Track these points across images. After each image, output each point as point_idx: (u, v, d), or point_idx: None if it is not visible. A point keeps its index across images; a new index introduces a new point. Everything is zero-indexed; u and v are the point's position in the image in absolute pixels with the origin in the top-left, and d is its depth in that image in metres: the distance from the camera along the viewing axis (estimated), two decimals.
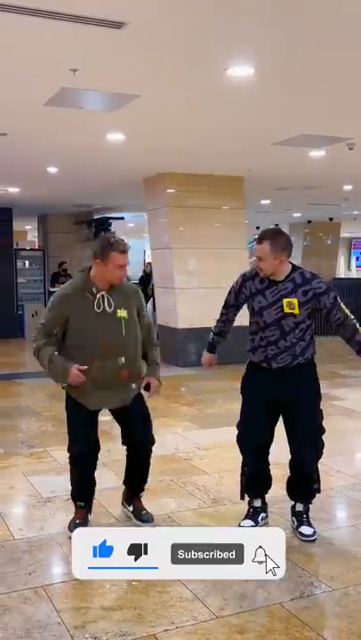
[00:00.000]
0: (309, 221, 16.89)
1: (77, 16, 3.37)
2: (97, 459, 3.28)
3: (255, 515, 3.32)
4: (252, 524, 3.27)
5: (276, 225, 18.01)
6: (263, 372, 3.20)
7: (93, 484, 3.32)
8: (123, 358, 3.11)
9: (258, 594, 2.68)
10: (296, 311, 3.07)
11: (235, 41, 3.81)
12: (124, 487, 3.47)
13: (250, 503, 3.36)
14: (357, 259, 26.00)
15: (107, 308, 3.09)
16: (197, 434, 5.24)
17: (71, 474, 3.31)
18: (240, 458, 3.37)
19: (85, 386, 3.07)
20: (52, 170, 8.43)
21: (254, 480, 3.34)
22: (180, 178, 8.58)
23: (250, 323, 3.27)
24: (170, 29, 3.61)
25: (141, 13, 3.38)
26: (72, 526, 3.17)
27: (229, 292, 3.34)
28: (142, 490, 3.40)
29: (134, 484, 3.41)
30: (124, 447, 3.36)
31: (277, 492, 3.68)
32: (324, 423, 3.26)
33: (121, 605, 2.59)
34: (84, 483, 3.29)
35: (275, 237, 3.12)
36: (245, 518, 3.31)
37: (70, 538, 3.00)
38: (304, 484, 3.29)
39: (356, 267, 26.33)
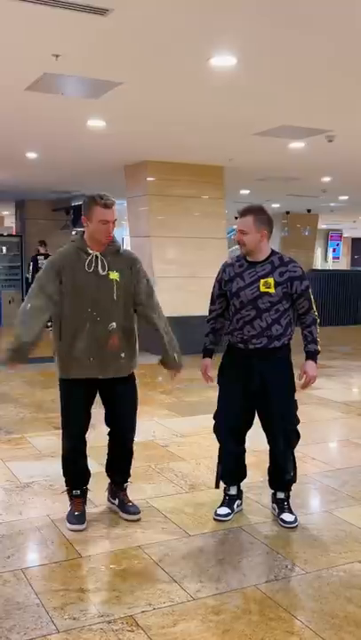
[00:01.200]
0: (288, 212, 17.01)
1: (61, 1, 3.34)
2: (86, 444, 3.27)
3: (231, 502, 3.38)
4: (228, 511, 3.33)
5: None
6: (240, 357, 3.24)
7: (88, 471, 3.28)
8: (114, 323, 3.05)
9: (233, 577, 2.75)
10: (272, 290, 3.12)
11: (218, 31, 3.81)
12: (108, 481, 3.43)
13: (225, 491, 3.41)
14: (334, 250, 26.26)
15: (99, 270, 3.01)
16: (175, 421, 5.29)
17: (66, 463, 3.25)
18: (217, 446, 3.43)
19: (75, 355, 3.03)
20: (32, 155, 8.35)
21: (231, 467, 3.39)
22: (161, 166, 8.57)
23: (229, 309, 3.31)
24: (154, 17, 3.60)
25: (126, 0, 3.37)
26: (72, 519, 3.15)
27: (214, 285, 3.36)
28: (126, 481, 3.38)
29: (117, 474, 3.37)
30: (106, 434, 3.35)
31: (253, 479, 3.76)
32: (300, 412, 3.33)
33: (99, 588, 2.64)
34: (79, 470, 3.24)
35: (258, 211, 3.17)
36: (221, 506, 3.37)
37: (71, 530, 3.10)
38: (279, 474, 3.35)
39: (333, 258, 26.61)
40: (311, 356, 3.21)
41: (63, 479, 3.30)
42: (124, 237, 23.60)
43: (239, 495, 3.44)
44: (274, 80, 4.83)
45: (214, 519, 3.30)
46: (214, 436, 3.41)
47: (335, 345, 10.25)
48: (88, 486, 3.30)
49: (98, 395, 3.24)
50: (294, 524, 3.25)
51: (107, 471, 3.41)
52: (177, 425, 5.16)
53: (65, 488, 3.29)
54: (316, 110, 5.78)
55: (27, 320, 3.02)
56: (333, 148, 7.12)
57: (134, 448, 3.40)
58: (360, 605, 2.54)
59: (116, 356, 3.10)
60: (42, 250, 11.98)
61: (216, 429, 3.38)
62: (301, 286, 3.17)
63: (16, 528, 3.18)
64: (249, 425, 3.36)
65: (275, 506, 3.38)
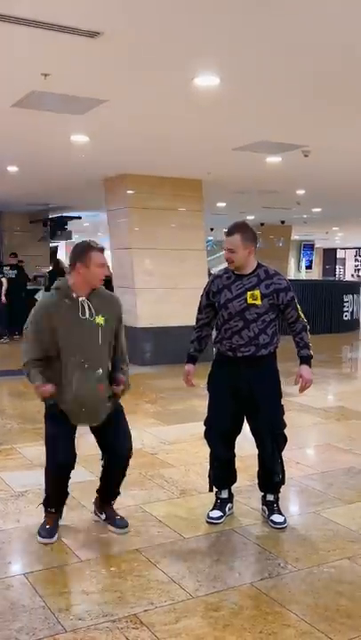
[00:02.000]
0: (262, 224, 17.33)
1: (53, 24, 3.47)
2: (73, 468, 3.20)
3: (223, 505, 3.49)
4: (220, 514, 3.45)
5: None
6: (229, 364, 3.37)
7: (67, 492, 3.28)
8: (100, 370, 3.06)
9: (229, 575, 2.87)
10: (258, 302, 3.25)
11: (203, 54, 3.99)
12: (95, 496, 3.44)
13: (217, 495, 3.52)
14: (307, 261, 26.75)
15: (87, 315, 3.03)
16: (162, 430, 5.39)
17: (50, 484, 3.22)
18: (205, 451, 3.54)
19: (65, 403, 3.04)
20: (13, 169, 8.41)
21: (222, 471, 3.50)
22: (141, 179, 8.72)
23: (217, 319, 3.43)
24: (142, 39, 3.75)
25: (116, 24, 3.51)
26: (42, 532, 3.18)
27: (202, 295, 3.49)
28: (115, 497, 3.40)
29: (111, 494, 3.39)
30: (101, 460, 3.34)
31: (241, 483, 3.88)
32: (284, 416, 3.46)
33: (101, 589, 2.72)
34: (61, 492, 3.24)
35: (245, 229, 3.31)
36: (213, 509, 3.47)
37: (40, 543, 3.11)
38: (268, 477, 3.47)
39: (306, 268, 27.09)
40: (305, 360, 3.35)
41: (52, 495, 3.27)
42: None
43: (230, 498, 3.55)
44: (254, 99, 5.03)
45: (207, 522, 3.41)
46: (205, 441, 3.52)
47: (316, 353, 10.48)
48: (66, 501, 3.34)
49: None
50: (284, 525, 3.38)
51: (100, 490, 3.41)
52: (163, 433, 5.27)
53: (41, 502, 3.30)
54: (294, 127, 6.01)
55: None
56: (309, 163, 7.37)
57: None
58: (351, 599, 2.68)
59: (104, 401, 3.12)
60: (12, 261, 12.13)
61: (207, 435, 3.49)
62: (287, 297, 3.32)
63: (14, 535, 3.25)
64: (238, 430, 3.47)
65: (265, 508, 3.50)
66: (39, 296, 10.42)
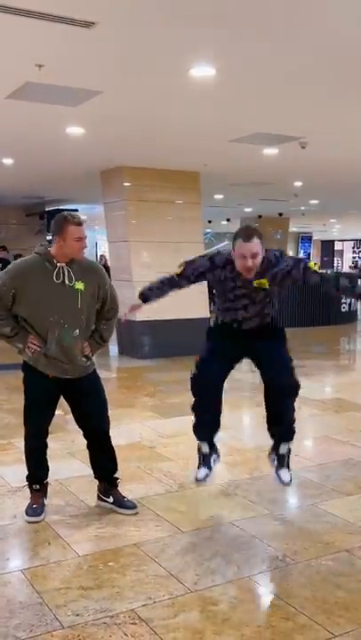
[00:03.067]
0: (260, 216, 17.27)
1: (48, 14, 3.43)
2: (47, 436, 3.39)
3: (206, 460, 3.44)
4: (207, 471, 3.41)
5: (228, 219, 18.34)
6: (232, 331, 3.30)
7: (47, 466, 3.43)
8: (77, 330, 3.20)
9: (228, 569, 2.86)
10: (266, 285, 3.16)
11: (198, 43, 3.95)
12: (97, 483, 3.53)
13: (199, 451, 3.46)
14: (305, 253, 26.70)
15: (66, 280, 3.14)
16: (160, 423, 5.38)
17: (28, 456, 3.40)
18: None
19: (49, 354, 3.17)
20: (8, 161, 8.35)
21: (205, 419, 3.42)
22: (138, 172, 8.66)
23: (217, 295, 3.34)
24: (137, 29, 3.70)
25: (112, 14, 3.47)
26: (30, 511, 3.32)
27: (194, 269, 3.28)
28: (116, 478, 3.49)
29: (104, 471, 3.47)
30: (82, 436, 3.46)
31: (241, 476, 3.92)
32: None
33: (99, 585, 2.71)
34: (41, 465, 3.40)
35: (260, 234, 3.15)
36: (199, 467, 3.43)
37: (28, 522, 3.24)
38: (284, 417, 3.36)
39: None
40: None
41: (30, 468, 3.43)
42: (98, 241, 23.68)
43: (213, 450, 3.48)
44: (250, 90, 4.99)
45: (196, 481, 3.40)
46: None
47: (310, 345, 10.49)
48: (65, 485, 3.48)
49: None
50: (289, 484, 3.39)
51: (93, 472, 3.51)
52: (161, 426, 5.26)
53: (25, 483, 3.44)
54: (290, 118, 5.96)
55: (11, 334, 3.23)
56: (306, 154, 7.33)
57: (122, 450, 3.48)
58: (349, 591, 2.68)
59: (80, 356, 3.25)
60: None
61: (193, 382, 3.36)
62: (300, 269, 3.13)
63: (11, 531, 3.23)
64: (224, 379, 3.36)
65: (274, 457, 3.45)
66: None
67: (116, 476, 3.50)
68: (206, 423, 3.46)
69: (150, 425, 5.30)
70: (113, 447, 3.46)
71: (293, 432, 3.45)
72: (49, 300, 3.13)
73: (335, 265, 31.07)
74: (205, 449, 3.47)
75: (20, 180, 10.33)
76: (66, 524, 3.30)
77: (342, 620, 2.46)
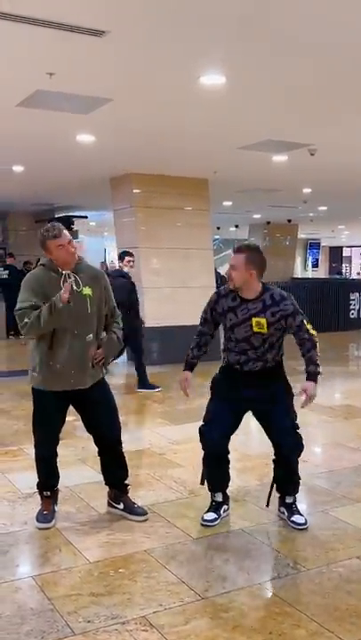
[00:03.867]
0: (268, 222, 17.28)
1: (59, 23, 3.47)
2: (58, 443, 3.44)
3: (217, 508, 3.45)
4: (215, 516, 3.41)
5: (237, 226, 18.35)
6: (235, 375, 3.36)
7: (58, 473, 3.46)
8: (90, 335, 3.23)
9: (238, 576, 2.85)
10: (265, 330, 3.21)
11: (209, 52, 3.98)
12: (107, 489, 3.54)
13: (212, 497, 3.49)
14: (313, 259, 26.63)
15: (73, 286, 3.15)
16: (169, 429, 5.38)
17: (39, 464, 3.40)
18: None
19: (57, 368, 3.18)
20: (18, 169, 8.42)
21: (214, 475, 3.48)
22: (147, 178, 8.71)
23: (224, 332, 3.40)
24: (149, 38, 3.74)
25: (122, 23, 3.50)
26: (41, 518, 3.33)
27: (205, 310, 3.44)
28: (127, 485, 3.50)
29: (115, 478, 3.48)
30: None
31: (250, 483, 3.90)
32: None
33: (110, 591, 2.71)
34: (52, 473, 3.42)
35: (251, 251, 3.24)
36: (208, 511, 3.44)
37: (39, 529, 3.25)
38: (290, 477, 3.44)
39: (312, 267, 26.98)
40: (311, 376, 3.27)
41: (42, 478, 3.44)
42: (106, 248, 23.75)
43: (225, 501, 3.51)
44: (260, 97, 5.01)
45: (202, 524, 3.37)
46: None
47: (319, 351, 10.44)
48: (75, 492, 3.51)
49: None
50: (306, 525, 3.36)
51: (104, 478, 3.52)
52: (171, 433, 5.26)
53: (36, 489, 3.45)
54: (299, 125, 5.98)
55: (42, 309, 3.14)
56: (315, 161, 7.34)
57: (132, 457, 3.49)
58: (359, 597, 2.66)
59: (91, 366, 3.27)
60: (8, 261, 12.48)
61: (202, 438, 3.43)
62: (296, 322, 3.24)
63: (22, 537, 3.24)
64: (232, 432, 3.42)
65: (284, 509, 3.47)
66: None
67: (126, 482, 3.51)
68: (217, 478, 3.50)
69: (160, 431, 5.30)
70: (123, 454, 3.48)
71: (298, 486, 3.48)
72: (61, 309, 3.11)
73: (344, 271, 30.98)
74: (218, 498, 3.49)
75: (31, 187, 10.41)
76: (76, 530, 3.31)
77: (354, 627, 2.45)
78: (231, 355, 3.35)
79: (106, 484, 3.53)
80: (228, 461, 3.49)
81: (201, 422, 3.47)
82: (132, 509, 3.44)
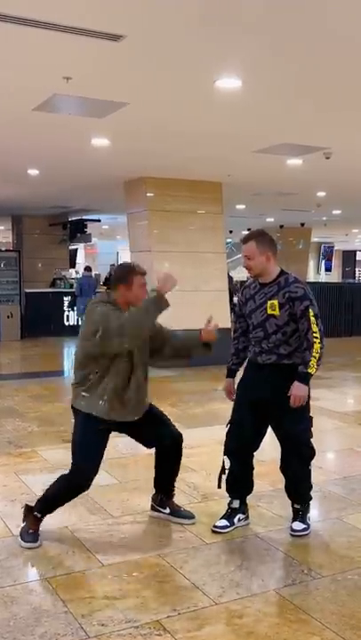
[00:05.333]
0: (282, 226, 17.24)
1: (76, 28, 3.49)
2: None
3: (231, 515, 3.41)
4: (226, 523, 3.36)
5: (249, 229, 18.32)
6: (255, 369, 3.36)
7: None
8: (146, 368, 3.27)
9: (253, 582, 2.83)
10: (277, 312, 3.21)
11: (225, 55, 3.98)
12: (154, 492, 3.56)
13: (229, 504, 3.46)
14: (326, 263, 26.51)
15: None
16: (183, 433, 5.35)
17: (61, 493, 3.21)
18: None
19: (126, 399, 3.16)
20: (33, 172, 8.48)
21: (233, 482, 3.44)
22: (161, 182, 8.73)
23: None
24: (165, 42, 3.75)
25: (139, 27, 3.52)
26: (26, 536, 3.16)
27: (237, 305, 3.49)
28: (174, 489, 3.53)
29: (170, 484, 3.50)
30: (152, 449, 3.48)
31: (263, 488, 3.87)
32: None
33: (124, 595, 2.71)
34: (64, 503, 3.26)
35: (259, 235, 3.31)
36: (221, 518, 3.40)
37: (23, 547, 3.10)
38: (293, 486, 3.42)
39: (326, 271, 26.85)
40: (298, 377, 3.22)
41: (54, 507, 3.24)
42: (119, 251, 23.81)
43: (242, 509, 3.45)
44: (276, 101, 5.00)
45: (212, 531, 3.33)
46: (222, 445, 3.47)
47: (333, 356, 10.39)
48: (90, 495, 3.44)
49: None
50: (301, 533, 3.31)
51: (159, 485, 3.52)
52: (185, 437, 5.22)
53: (31, 505, 3.25)
54: (315, 129, 5.96)
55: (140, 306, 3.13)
56: (330, 165, 7.31)
57: (145, 461, 3.49)
58: None
59: (145, 396, 3.32)
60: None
61: (226, 442, 3.43)
62: (301, 306, 3.19)
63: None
64: (259, 440, 3.41)
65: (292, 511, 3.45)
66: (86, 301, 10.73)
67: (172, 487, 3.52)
68: (236, 486, 3.46)
69: None
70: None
71: (305, 495, 3.43)
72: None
73: (357, 275, 30.80)
74: (235, 505, 3.44)
75: (45, 191, 10.47)
76: (90, 533, 3.31)
77: None
78: (251, 348, 3.36)
79: (157, 488, 3.53)
80: (252, 467, 3.45)
81: (218, 427, 3.46)
82: (178, 513, 3.46)
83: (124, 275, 3.19)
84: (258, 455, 4.15)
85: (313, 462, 4.35)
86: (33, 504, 3.25)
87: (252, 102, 4.99)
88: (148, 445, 3.45)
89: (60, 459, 4.49)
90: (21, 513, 3.27)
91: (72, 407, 3.24)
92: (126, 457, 4.55)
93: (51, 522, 3.40)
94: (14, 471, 4.30)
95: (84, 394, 3.16)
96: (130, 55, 3.94)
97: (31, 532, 3.18)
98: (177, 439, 3.42)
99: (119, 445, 4.56)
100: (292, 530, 3.34)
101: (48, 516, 3.47)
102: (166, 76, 4.36)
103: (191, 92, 4.76)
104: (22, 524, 3.22)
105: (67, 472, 3.19)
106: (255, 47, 3.83)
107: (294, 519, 3.40)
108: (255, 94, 4.77)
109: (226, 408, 3.50)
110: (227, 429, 3.44)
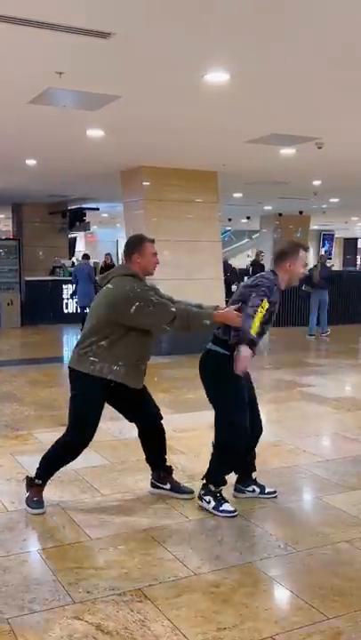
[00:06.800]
0: (280, 214, 17.29)
1: (67, 26, 3.61)
2: None
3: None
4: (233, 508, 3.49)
5: (248, 217, 18.40)
6: None
7: None
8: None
9: (231, 555, 3.01)
10: None
11: (213, 50, 4.09)
12: (152, 472, 3.75)
13: (219, 491, 3.53)
14: (326, 251, 26.51)
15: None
16: (174, 418, 5.52)
17: (58, 458, 3.47)
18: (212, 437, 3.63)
19: (142, 367, 3.40)
20: (31, 162, 8.59)
21: (241, 465, 3.64)
22: (157, 171, 8.83)
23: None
24: (153, 38, 3.86)
25: (127, 25, 3.63)
26: (32, 504, 3.42)
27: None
28: (170, 465, 3.74)
29: (162, 459, 3.70)
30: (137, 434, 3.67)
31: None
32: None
33: (109, 566, 2.89)
34: (63, 466, 3.52)
35: (275, 257, 3.54)
36: (225, 501, 3.49)
37: (31, 514, 3.35)
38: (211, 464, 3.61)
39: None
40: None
41: (53, 470, 3.51)
42: (119, 239, 23.89)
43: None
44: (265, 92, 5.11)
45: (226, 516, 3.42)
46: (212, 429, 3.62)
47: (328, 343, 10.56)
48: (81, 475, 3.70)
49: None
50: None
51: (153, 462, 3.72)
52: (176, 421, 5.40)
53: (31, 476, 3.49)
54: (306, 119, 6.06)
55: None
56: (323, 154, 7.40)
57: (136, 443, 3.66)
58: (346, 579, 2.81)
59: None
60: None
61: (238, 432, 3.43)
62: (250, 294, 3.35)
63: (29, 515, 3.43)
64: None
65: (255, 488, 3.70)
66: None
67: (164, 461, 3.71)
68: (244, 466, 3.67)
69: (165, 420, 5.42)
70: None
71: (211, 476, 3.54)
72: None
73: (359, 263, 30.83)
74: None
75: (43, 180, 10.59)
76: (80, 510, 3.50)
77: (337, 604, 2.60)
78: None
79: (153, 467, 3.72)
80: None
81: (207, 412, 3.59)
82: (178, 489, 3.67)
83: (137, 243, 3.42)
84: None
85: (298, 445, 4.51)
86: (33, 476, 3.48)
87: (240, 95, 5.10)
88: (130, 418, 3.61)
89: (54, 440, 4.67)
90: (16, 490, 3.44)
91: (72, 369, 3.38)
92: (118, 439, 4.73)
93: (44, 499, 3.60)
94: (10, 452, 4.48)
95: (92, 358, 3.29)
96: (119, 51, 4.05)
97: (36, 500, 3.44)
98: (159, 417, 3.63)
99: (111, 429, 4.74)
100: (270, 493, 3.64)
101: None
102: (155, 70, 4.48)
103: (180, 87, 4.87)
104: (26, 494, 3.47)
105: (65, 436, 3.40)
106: (241, 42, 3.94)
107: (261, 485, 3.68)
108: (243, 87, 4.88)
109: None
110: (239, 418, 3.43)
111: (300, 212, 17.00)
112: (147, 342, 3.42)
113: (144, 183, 8.91)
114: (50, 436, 4.82)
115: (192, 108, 5.50)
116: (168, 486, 3.69)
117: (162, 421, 3.64)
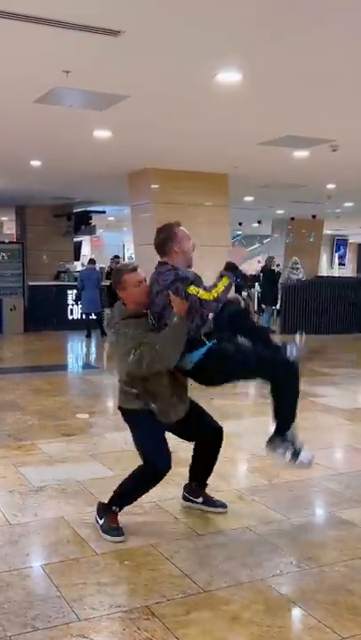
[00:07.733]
0: (293, 218, 17.12)
1: (75, 24, 3.52)
2: None
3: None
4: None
5: (259, 221, 18.22)
6: None
7: None
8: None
9: (241, 572, 2.89)
10: None
11: (225, 49, 4.00)
12: (190, 483, 3.63)
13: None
14: (340, 257, 26.07)
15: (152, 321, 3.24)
16: None
17: (140, 486, 3.31)
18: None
19: (169, 401, 3.24)
20: (36, 163, 8.52)
21: None
22: (166, 174, 8.73)
23: None
24: (164, 36, 3.78)
25: (138, 22, 3.55)
26: (111, 532, 3.21)
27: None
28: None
29: (208, 474, 3.57)
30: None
31: (258, 482, 3.93)
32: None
33: (115, 582, 2.78)
34: (143, 494, 3.34)
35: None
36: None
37: (112, 542, 3.15)
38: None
39: (339, 264, 26.34)
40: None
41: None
42: (125, 243, 23.76)
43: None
44: (279, 93, 5.01)
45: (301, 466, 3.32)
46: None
47: (340, 353, 10.33)
48: (86, 487, 3.56)
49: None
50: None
51: (197, 475, 3.60)
52: None
53: (116, 509, 3.30)
54: (320, 121, 5.95)
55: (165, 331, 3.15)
56: (337, 157, 7.28)
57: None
58: (359, 596, 2.69)
59: (184, 391, 3.39)
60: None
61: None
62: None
63: (32, 528, 3.32)
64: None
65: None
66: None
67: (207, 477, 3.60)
68: None
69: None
70: None
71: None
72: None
73: None
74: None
75: (48, 182, 10.51)
76: (85, 523, 3.38)
77: (351, 623, 2.48)
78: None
79: (193, 478, 3.61)
80: None
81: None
82: (211, 502, 3.55)
83: (115, 280, 3.26)
84: (253, 449, 4.21)
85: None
86: (106, 502, 3.32)
87: (253, 95, 5.00)
88: (190, 439, 3.50)
89: (58, 451, 4.59)
90: (19, 503, 3.28)
91: (122, 409, 3.31)
92: (123, 450, 4.59)
93: (48, 513, 3.50)
94: (13, 463, 4.36)
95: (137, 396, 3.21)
96: (129, 50, 3.97)
97: (114, 527, 3.23)
98: (219, 431, 3.47)
99: (118, 440, 4.62)
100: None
101: (45, 507, 3.58)
102: (166, 70, 4.39)
103: (191, 86, 4.78)
104: (101, 522, 3.26)
105: (140, 469, 3.26)
106: (254, 40, 3.84)
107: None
108: (255, 87, 4.79)
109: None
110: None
111: (314, 217, 16.77)
112: (173, 378, 3.23)
113: (152, 186, 8.82)
114: (54, 446, 4.75)
115: (203, 108, 5.40)
116: (200, 499, 3.57)
117: (221, 432, 3.47)
